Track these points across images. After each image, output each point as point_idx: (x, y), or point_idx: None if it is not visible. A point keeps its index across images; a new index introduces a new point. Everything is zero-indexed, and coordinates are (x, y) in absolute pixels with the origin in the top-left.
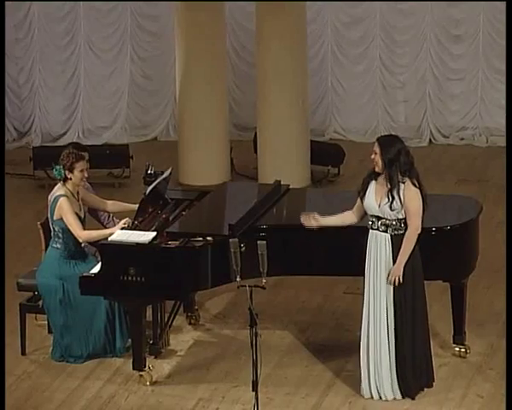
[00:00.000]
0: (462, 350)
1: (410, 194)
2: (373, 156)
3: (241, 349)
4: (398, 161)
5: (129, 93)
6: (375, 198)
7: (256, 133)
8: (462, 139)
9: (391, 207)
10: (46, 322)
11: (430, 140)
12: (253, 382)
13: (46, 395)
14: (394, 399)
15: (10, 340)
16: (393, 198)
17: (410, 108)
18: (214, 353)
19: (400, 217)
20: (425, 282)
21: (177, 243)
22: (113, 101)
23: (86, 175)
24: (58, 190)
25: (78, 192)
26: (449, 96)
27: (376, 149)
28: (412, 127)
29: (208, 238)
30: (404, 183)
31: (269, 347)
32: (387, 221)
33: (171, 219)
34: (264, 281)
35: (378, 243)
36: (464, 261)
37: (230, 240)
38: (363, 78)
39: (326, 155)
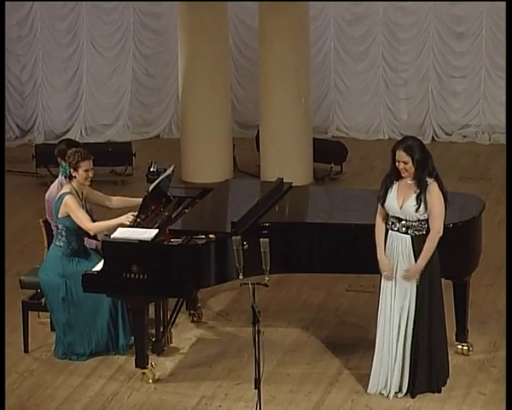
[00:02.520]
0: (465, 348)
1: (433, 196)
2: (402, 166)
3: (243, 347)
4: (427, 164)
5: (131, 91)
6: (396, 199)
7: (258, 131)
8: (464, 137)
9: (417, 210)
10: (49, 320)
11: (433, 138)
12: (255, 379)
13: (49, 393)
14: (396, 396)
15: (13, 338)
16: (421, 201)
17: (413, 106)
18: (217, 350)
19: (421, 218)
20: None
21: (180, 240)
22: (115, 98)
23: (91, 175)
24: (64, 187)
25: (82, 192)
26: (451, 93)
27: (405, 158)
28: (415, 125)
29: (211, 236)
30: (427, 185)
31: (271, 344)
32: (409, 222)
33: (173, 216)
34: (266, 278)
35: (398, 245)
36: (467, 259)
37: (233, 238)
38: (365, 75)
39: (329, 152)
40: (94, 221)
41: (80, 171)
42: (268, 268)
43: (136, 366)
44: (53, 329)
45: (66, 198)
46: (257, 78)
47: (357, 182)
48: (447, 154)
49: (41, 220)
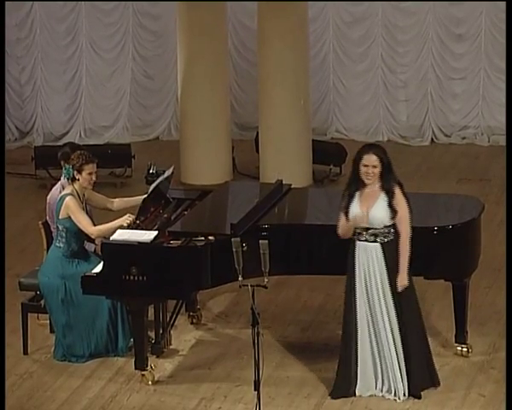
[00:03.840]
0: (464, 349)
1: (399, 200)
2: (371, 171)
3: (243, 349)
4: (392, 169)
5: (131, 92)
6: (360, 209)
7: (258, 132)
8: (463, 138)
9: (393, 218)
10: (48, 321)
11: (432, 139)
12: (255, 381)
13: (48, 395)
14: (396, 398)
15: (12, 339)
16: (393, 209)
17: (412, 108)
18: (216, 352)
19: (388, 224)
20: (427, 281)
21: (179, 242)
22: (114, 100)
23: (94, 179)
24: (66, 189)
25: (83, 194)
26: (451, 95)
27: (375, 162)
28: (414, 126)
29: (210, 238)
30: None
31: (271, 346)
32: (376, 230)
33: (172, 218)
34: (266, 280)
35: (368, 254)
36: (466, 261)
37: (232, 239)
38: (364, 77)
39: (328, 154)
40: (94, 224)
41: (84, 174)
42: (267, 270)
43: (136, 368)
44: (52, 331)
45: (67, 200)
46: (256, 79)
47: None
48: (446, 155)
49: (40, 222)
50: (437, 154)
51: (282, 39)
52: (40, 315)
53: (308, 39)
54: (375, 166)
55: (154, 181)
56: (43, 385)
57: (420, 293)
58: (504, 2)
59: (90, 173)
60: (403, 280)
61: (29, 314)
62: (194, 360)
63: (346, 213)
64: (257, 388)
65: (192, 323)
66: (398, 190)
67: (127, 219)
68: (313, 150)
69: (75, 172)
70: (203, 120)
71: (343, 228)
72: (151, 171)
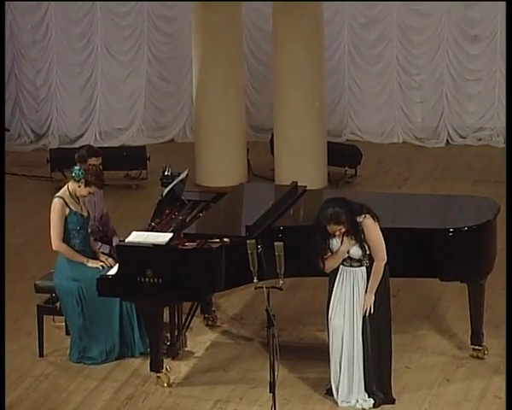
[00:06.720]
0: (480, 351)
1: (370, 230)
2: (337, 233)
3: (258, 350)
4: (354, 217)
5: (146, 95)
6: (340, 244)
7: (273, 135)
8: (479, 140)
9: (365, 255)
10: (64, 324)
11: (447, 141)
12: (270, 383)
13: (63, 397)
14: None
15: (28, 342)
16: (364, 247)
17: (427, 109)
18: (231, 354)
19: (369, 252)
20: (443, 282)
21: (194, 244)
22: (129, 103)
23: (88, 196)
24: (61, 191)
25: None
26: (466, 96)
27: (338, 227)
28: (429, 128)
29: (225, 240)
30: (361, 224)
31: (286, 348)
32: (359, 258)
33: (187, 220)
34: (281, 282)
35: (354, 278)
36: (482, 262)
37: (248, 241)
38: (379, 78)
39: (343, 156)
40: (107, 225)
41: (88, 189)
42: (282, 272)
43: (151, 370)
44: (68, 333)
45: (54, 201)
46: (271, 81)
47: (371, 185)
48: (462, 157)
49: None
50: (452, 155)
51: (296, 41)
52: (56, 317)
53: (323, 41)
54: (340, 230)
55: (169, 183)
56: (58, 387)
57: (435, 295)
58: None
59: (91, 193)
60: (368, 300)
61: (45, 316)
62: (210, 361)
63: (329, 249)
64: (272, 389)
65: (207, 325)
66: (367, 222)
67: (95, 263)
68: (328, 152)
69: (82, 180)
70: (218, 122)
71: (331, 262)
72: (166, 173)
